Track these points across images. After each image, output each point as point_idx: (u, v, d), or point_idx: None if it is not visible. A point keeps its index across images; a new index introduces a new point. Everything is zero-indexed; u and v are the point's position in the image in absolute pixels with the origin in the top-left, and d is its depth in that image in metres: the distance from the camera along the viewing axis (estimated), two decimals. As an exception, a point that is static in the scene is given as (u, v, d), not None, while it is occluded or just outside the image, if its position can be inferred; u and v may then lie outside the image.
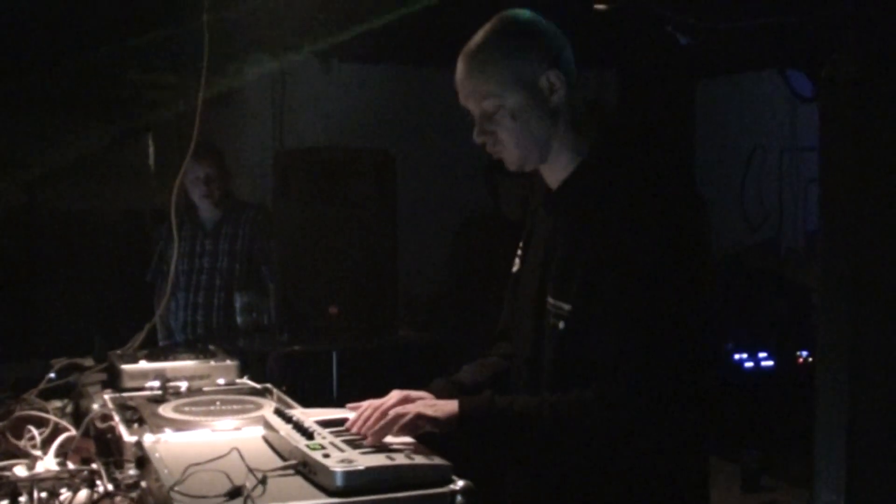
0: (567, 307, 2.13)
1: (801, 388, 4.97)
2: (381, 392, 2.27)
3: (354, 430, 2.05)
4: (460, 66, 2.22)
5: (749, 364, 6.40)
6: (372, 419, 2.06)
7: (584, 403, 2.05)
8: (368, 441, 2.00)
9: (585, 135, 2.22)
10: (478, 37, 2.21)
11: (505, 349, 2.53)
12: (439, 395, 2.31)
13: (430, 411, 2.09)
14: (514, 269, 2.48)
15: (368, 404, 2.20)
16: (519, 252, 2.48)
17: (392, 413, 2.06)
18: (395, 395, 2.24)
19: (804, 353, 6.46)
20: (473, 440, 2.13)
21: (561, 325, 2.14)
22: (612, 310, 2.05)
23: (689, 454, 2.21)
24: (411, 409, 2.09)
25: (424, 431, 2.08)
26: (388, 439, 2.03)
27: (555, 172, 2.25)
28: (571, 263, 2.15)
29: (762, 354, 6.45)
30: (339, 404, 2.31)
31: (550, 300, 2.19)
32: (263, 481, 1.74)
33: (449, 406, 2.12)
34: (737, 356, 6.40)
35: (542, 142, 2.19)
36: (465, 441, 2.10)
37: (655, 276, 2.04)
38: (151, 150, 8.23)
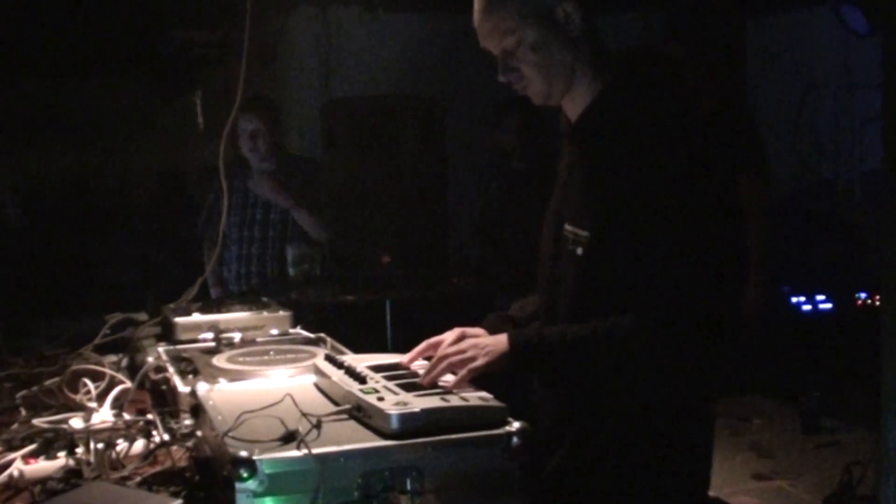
0: (585, 233, 2.12)
1: (859, 330, 4.90)
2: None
3: (422, 380, 2.04)
4: (477, 8, 2.20)
5: (807, 307, 6.30)
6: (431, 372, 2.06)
7: (633, 330, 2.03)
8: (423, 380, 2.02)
9: (604, 64, 2.19)
10: None
11: None
12: (493, 329, 2.31)
13: (481, 360, 2.08)
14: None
15: (426, 345, 2.23)
16: None
17: (444, 363, 2.07)
18: (452, 333, 2.26)
19: (863, 296, 6.35)
20: (525, 373, 2.15)
21: (579, 251, 2.13)
22: (641, 236, 2.03)
23: (706, 381, 2.20)
24: (466, 359, 2.07)
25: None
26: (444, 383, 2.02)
27: (575, 103, 2.23)
28: (590, 191, 2.15)
29: (820, 297, 6.35)
30: (394, 353, 2.30)
31: (568, 227, 2.18)
32: (318, 425, 1.73)
33: (499, 345, 2.12)
34: (794, 299, 6.31)
35: (566, 72, 2.18)
36: (515, 375, 2.10)
37: (680, 201, 2.02)
38: (199, 107, 8.25)
